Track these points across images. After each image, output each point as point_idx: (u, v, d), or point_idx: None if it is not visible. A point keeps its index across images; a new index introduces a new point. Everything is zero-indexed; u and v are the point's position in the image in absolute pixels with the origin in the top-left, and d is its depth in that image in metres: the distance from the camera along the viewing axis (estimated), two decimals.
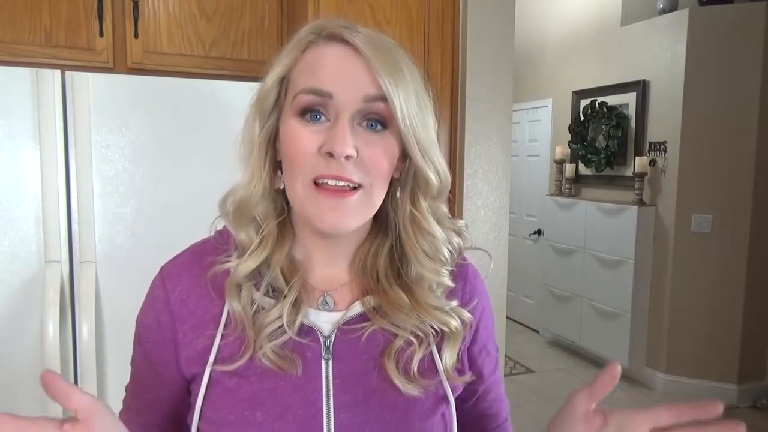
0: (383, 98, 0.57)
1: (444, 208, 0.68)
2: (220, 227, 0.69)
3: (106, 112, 1.49)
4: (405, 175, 0.64)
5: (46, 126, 1.44)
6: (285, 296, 0.62)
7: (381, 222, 0.69)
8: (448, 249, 0.67)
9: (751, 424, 3.15)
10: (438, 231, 0.66)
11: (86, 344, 1.43)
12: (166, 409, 0.69)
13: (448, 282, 0.67)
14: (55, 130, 1.45)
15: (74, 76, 1.46)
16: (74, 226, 1.49)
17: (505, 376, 2.20)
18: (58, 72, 1.46)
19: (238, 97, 1.58)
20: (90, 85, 1.47)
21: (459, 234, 0.70)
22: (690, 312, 3.47)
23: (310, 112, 0.58)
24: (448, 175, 0.65)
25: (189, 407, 0.65)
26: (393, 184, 0.66)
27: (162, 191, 1.56)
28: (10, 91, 1.42)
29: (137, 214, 1.54)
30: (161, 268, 0.68)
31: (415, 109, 0.59)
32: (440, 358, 0.65)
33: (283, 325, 0.61)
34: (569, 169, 4.23)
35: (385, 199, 0.65)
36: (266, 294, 0.63)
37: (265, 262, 0.63)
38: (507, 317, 2.19)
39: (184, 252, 0.69)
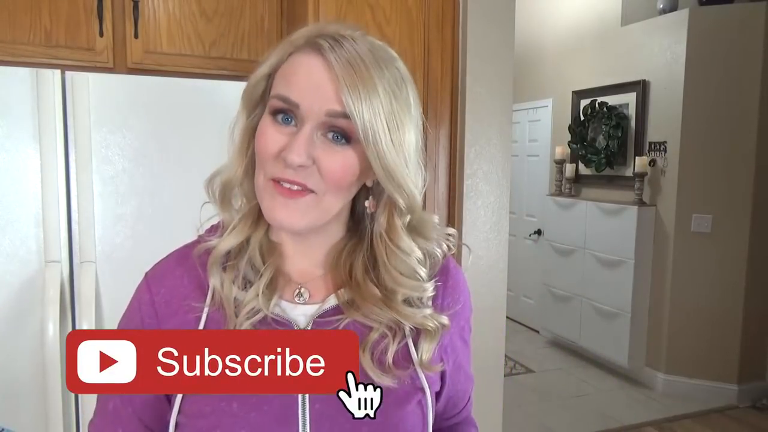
0: (346, 115, 0.58)
1: (430, 219, 0.69)
2: (207, 227, 0.71)
3: (106, 112, 1.49)
4: (378, 186, 0.65)
5: (46, 126, 1.44)
6: (261, 275, 0.65)
7: (357, 223, 0.70)
8: (425, 268, 0.68)
9: (751, 424, 3.16)
10: (414, 250, 0.66)
11: None
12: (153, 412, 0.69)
13: (430, 293, 0.68)
14: (55, 130, 1.45)
15: (74, 76, 1.46)
16: (74, 226, 1.49)
17: (505, 376, 2.19)
18: (58, 72, 1.46)
19: (238, 97, 1.58)
20: (90, 85, 1.46)
21: (444, 243, 0.71)
22: (690, 312, 3.47)
23: (282, 113, 0.61)
24: (416, 196, 0.65)
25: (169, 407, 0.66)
26: (367, 191, 0.67)
27: (162, 191, 1.56)
28: (10, 91, 1.42)
29: (137, 214, 1.54)
30: (146, 274, 0.71)
31: (383, 129, 0.59)
32: (416, 352, 0.66)
33: (258, 304, 0.63)
34: (569, 169, 4.23)
35: (358, 203, 0.68)
36: (245, 277, 0.66)
37: (245, 243, 0.66)
38: (507, 317, 2.19)
39: (169, 256, 0.72)
